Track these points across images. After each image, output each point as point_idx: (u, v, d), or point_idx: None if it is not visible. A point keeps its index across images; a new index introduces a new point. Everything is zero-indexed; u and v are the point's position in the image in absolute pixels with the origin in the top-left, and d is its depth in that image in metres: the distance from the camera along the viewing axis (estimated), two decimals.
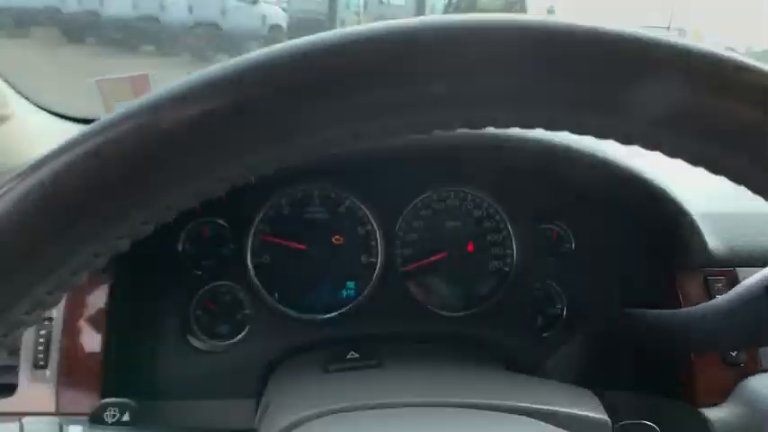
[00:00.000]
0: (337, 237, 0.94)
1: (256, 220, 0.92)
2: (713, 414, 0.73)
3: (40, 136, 0.98)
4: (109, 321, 0.70)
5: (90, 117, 1.06)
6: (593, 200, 0.88)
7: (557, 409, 0.53)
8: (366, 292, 0.92)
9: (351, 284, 0.94)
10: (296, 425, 0.48)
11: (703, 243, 0.78)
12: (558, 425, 0.50)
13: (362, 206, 0.95)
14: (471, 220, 0.98)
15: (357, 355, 0.64)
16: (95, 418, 0.46)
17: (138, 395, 0.78)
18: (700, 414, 0.73)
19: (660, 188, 0.72)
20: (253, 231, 0.92)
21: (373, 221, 0.94)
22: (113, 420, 0.47)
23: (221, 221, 0.91)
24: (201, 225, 0.91)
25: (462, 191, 0.98)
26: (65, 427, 0.45)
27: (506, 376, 0.66)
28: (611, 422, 0.57)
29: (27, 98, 1.02)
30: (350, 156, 0.90)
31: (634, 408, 0.85)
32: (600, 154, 0.70)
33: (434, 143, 0.81)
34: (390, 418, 0.46)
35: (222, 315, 0.88)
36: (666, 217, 0.74)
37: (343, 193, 0.95)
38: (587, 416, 0.54)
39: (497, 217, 0.98)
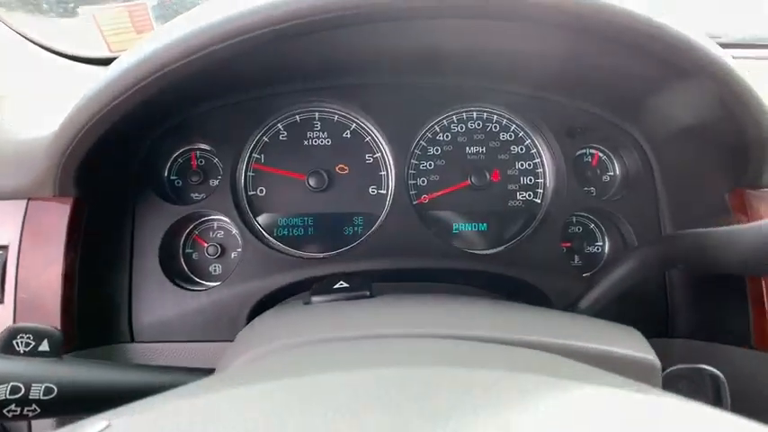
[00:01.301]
0: (342, 166, 0.83)
1: (249, 147, 0.81)
2: None
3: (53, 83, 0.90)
4: (72, 252, 0.61)
5: (97, 56, 0.97)
6: (648, 108, 0.73)
7: (584, 344, 0.41)
8: (375, 227, 0.81)
9: (358, 220, 0.83)
10: (247, 360, 0.38)
11: None
12: (587, 362, 0.39)
13: (371, 130, 0.83)
14: (496, 145, 0.85)
15: (346, 285, 0.53)
16: (4, 346, 0.38)
17: (107, 336, 0.71)
18: None
19: (744, 83, 0.56)
20: (246, 160, 0.81)
21: (383, 148, 0.82)
22: (27, 349, 0.38)
23: (210, 148, 0.81)
24: (189, 153, 0.81)
25: (487, 110, 0.85)
26: None
27: (534, 311, 0.54)
28: (662, 367, 0.45)
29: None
30: (356, 71, 0.78)
31: (690, 353, 0.72)
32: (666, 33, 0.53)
33: (455, 49, 0.68)
34: (368, 349, 0.35)
35: (212, 252, 0.79)
36: (747, 121, 0.58)
37: (348, 115, 0.83)
38: (629, 355, 0.42)
39: (528, 141, 0.85)
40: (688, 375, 0.50)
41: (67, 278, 0.60)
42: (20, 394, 0.36)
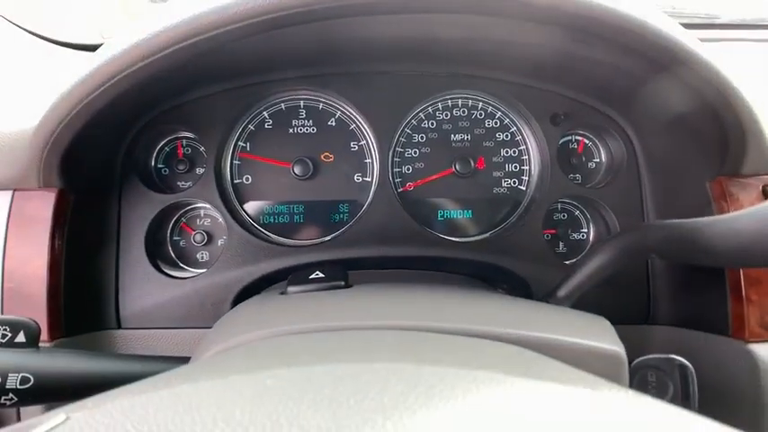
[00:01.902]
0: (327, 153, 0.83)
1: (235, 135, 0.82)
2: (764, 351, 0.61)
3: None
4: (55, 242, 0.62)
5: (83, 42, 0.96)
6: (632, 97, 0.73)
7: (551, 336, 0.42)
8: (360, 215, 0.81)
9: (343, 207, 0.83)
10: (217, 351, 0.39)
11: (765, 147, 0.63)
12: (552, 354, 0.40)
13: (355, 118, 0.83)
14: (481, 132, 0.85)
15: (322, 276, 0.54)
16: None
17: (94, 323, 0.73)
18: (747, 351, 0.61)
19: (723, 76, 0.56)
20: (231, 148, 0.82)
21: (368, 136, 0.83)
22: (3, 341, 0.39)
23: (195, 137, 0.81)
24: (175, 142, 0.82)
25: (472, 97, 0.85)
26: None
27: (503, 301, 0.55)
28: (630, 356, 0.46)
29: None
30: (341, 59, 0.78)
31: (670, 340, 0.73)
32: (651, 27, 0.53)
33: (441, 37, 0.68)
34: (330, 343, 0.36)
35: (199, 240, 0.80)
36: (726, 113, 0.59)
37: (333, 103, 0.83)
38: (594, 346, 0.42)
39: (513, 128, 0.85)
40: (657, 365, 0.51)
41: (53, 267, 0.62)
42: None
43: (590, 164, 0.86)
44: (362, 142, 0.83)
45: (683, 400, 0.51)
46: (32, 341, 0.41)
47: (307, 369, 0.29)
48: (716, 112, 0.61)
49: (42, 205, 0.62)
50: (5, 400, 0.39)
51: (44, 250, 0.62)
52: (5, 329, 0.39)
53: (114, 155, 0.76)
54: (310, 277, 0.55)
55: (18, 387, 0.39)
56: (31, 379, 0.39)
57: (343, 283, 0.55)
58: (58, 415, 0.26)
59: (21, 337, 0.40)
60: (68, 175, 0.64)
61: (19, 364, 0.39)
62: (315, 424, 0.23)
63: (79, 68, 0.55)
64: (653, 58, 0.58)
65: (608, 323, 0.51)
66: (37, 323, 0.42)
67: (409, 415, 0.24)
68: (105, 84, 0.54)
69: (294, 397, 0.26)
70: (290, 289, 0.54)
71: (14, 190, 0.63)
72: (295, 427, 0.23)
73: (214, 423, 0.24)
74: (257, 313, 0.49)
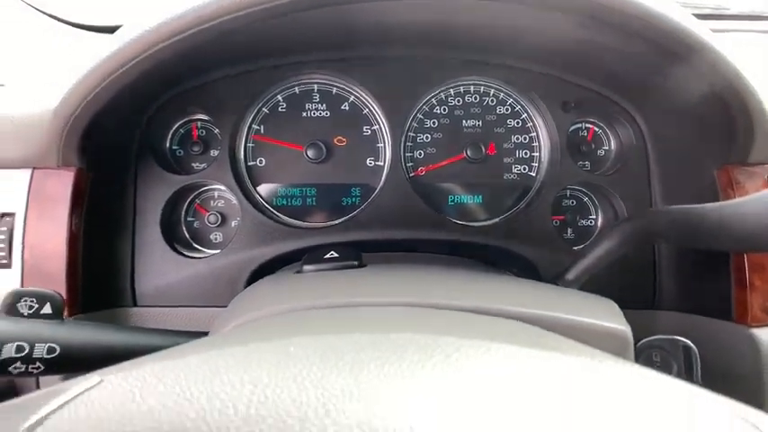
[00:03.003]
0: (340, 137, 0.84)
1: (249, 118, 0.83)
2: (766, 335, 0.62)
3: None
4: (76, 219, 0.64)
5: (100, 24, 0.97)
6: (643, 86, 0.73)
7: (559, 315, 0.43)
8: (371, 199, 0.83)
9: (355, 191, 0.84)
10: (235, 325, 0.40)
11: None
12: (560, 332, 0.41)
13: (369, 103, 0.84)
14: (492, 119, 0.85)
15: (337, 255, 0.55)
16: (8, 308, 0.40)
17: (110, 300, 0.74)
18: (750, 335, 0.61)
19: (732, 66, 0.57)
20: (245, 131, 0.83)
21: (381, 120, 0.84)
22: (30, 312, 0.41)
23: (210, 119, 0.82)
24: (190, 124, 0.83)
25: (484, 83, 0.85)
26: None
27: (513, 282, 0.56)
28: (635, 339, 0.47)
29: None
30: (355, 43, 0.78)
31: (674, 324, 0.74)
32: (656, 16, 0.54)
33: (458, 23, 0.68)
34: (345, 317, 0.37)
35: (213, 221, 0.82)
36: (734, 102, 0.59)
37: (346, 87, 0.84)
38: (600, 325, 0.44)
39: (524, 115, 0.85)
40: (662, 346, 0.52)
41: (71, 245, 0.63)
42: (24, 353, 0.39)
43: (599, 151, 0.86)
44: (375, 127, 0.84)
45: (686, 378, 0.52)
46: (58, 313, 0.42)
47: (327, 338, 0.31)
48: (725, 102, 0.62)
49: (61, 183, 0.64)
50: (32, 368, 0.40)
51: (63, 228, 0.63)
52: (32, 301, 0.41)
53: (131, 135, 0.77)
54: (325, 257, 0.56)
55: (45, 356, 0.40)
56: (57, 349, 0.41)
57: (357, 263, 0.56)
58: (93, 377, 0.28)
59: (47, 309, 0.42)
60: (87, 154, 0.66)
61: (46, 335, 0.41)
62: (338, 386, 0.24)
63: (102, 48, 0.56)
64: (666, 47, 0.58)
65: (615, 304, 0.52)
66: (61, 295, 0.43)
67: (428, 379, 0.25)
68: (128, 63, 0.55)
69: (317, 362, 0.27)
70: (306, 268, 0.56)
71: (34, 168, 0.64)
72: (320, 389, 0.24)
73: (242, 385, 0.25)
74: (274, 290, 0.50)
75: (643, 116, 0.80)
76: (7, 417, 0.25)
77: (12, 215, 0.62)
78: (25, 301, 0.40)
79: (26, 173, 0.64)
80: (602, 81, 0.79)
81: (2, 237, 0.61)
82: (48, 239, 0.63)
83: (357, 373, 0.25)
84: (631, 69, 0.70)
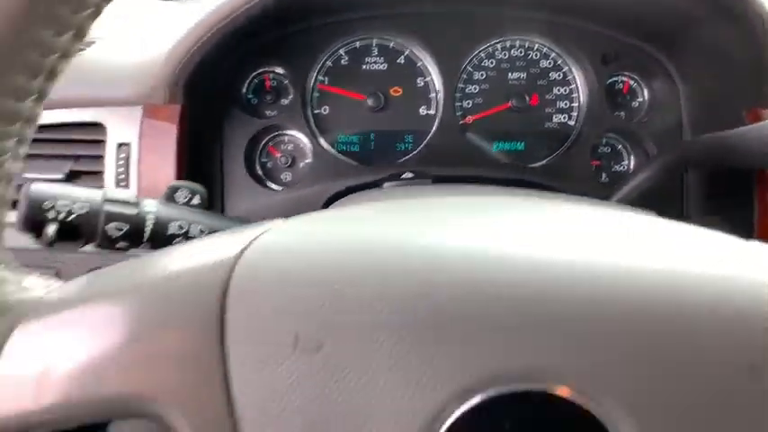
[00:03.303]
0: (396, 88, 0.93)
1: (315, 70, 0.92)
2: None
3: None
4: (180, 149, 0.74)
5: None
6: (679, 37, 0.81)
7: None
8: (423, 144, 0.92)
9: (408, 138, 0.94)
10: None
11: None
12: None
13: (422, 56, 0.93)
14: (536, 72, 0.94)
15: (412, 175, 0.64)
16: (168, 197, 0.50)
17: None
18: None
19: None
20: (312, 81, 0.92)
21: (433, 72, 0.92)
22: (184, 201, 0.51)
23: (281, 71, 0.92)
24: (263, 75, 0.93)
25: (529, 39, 0.93)
26: (141, 201, 0.49)
27: (576, 199, 0.64)
28: None
29: None
30: (412, 1, 0.87)
31: None
32: None
33: None
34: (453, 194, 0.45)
35: (284, 162, 0.92)
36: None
37: (402, 42, 0.93)
38: None
39: (565, 68, 0.94)
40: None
41: (179, 169, 0.73)
42: (184, 231, 0.49)
43: (634, 102, 0.94)
44: (428, 78, 0.93)
45: None
46: (204, 204, 0.52)
47: (447, 200, 0.40)
48: (760, 48, 0.70)
49: (169, 118, 0.74)
50: None
51: (171, 156, 0.73)
52: (187, 192, 0.51)
53: (220, 81, 0.87)
54: (402, 177, 0.65)
55: (197, 236, 0.50)
56: (206, 231, 0.50)
57: (431, 180, 0.66)
58: (266, 224, 0.37)
59: (196, 200, 0.52)
60: (189, 94, 0.75)
61: (198, 219, 0.50)
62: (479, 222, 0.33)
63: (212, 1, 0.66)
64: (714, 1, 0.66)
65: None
66: (206, 190, 0.53)
67: (540, 223, 0.34)
68: (235, 13, 0.65)
69: (455, 210, 0.36)
70: (386, 184, 0.65)
71: (145, 105, 0.74)
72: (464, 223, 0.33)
73: (413, 225, 0.34)
74: (361, 198, 0.60)
75: (677, 66, 0.88)
76: (215, 249, 0.34)
77: (128, 145, 0.73)
78: (181, 191, 0.50)
79: (138, 109, 0.74)
80: (640, 34, 0.87)
81: (121, 163, 0.71)
82: (158, 165, 0.73)
83: (490, 217, 0.35)
84: (671, 22, 0.78)
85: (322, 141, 0.92)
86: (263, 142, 0.92)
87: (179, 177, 0.73)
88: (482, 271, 0.30)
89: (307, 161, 0.91)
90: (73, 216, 0.43)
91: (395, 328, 0.29)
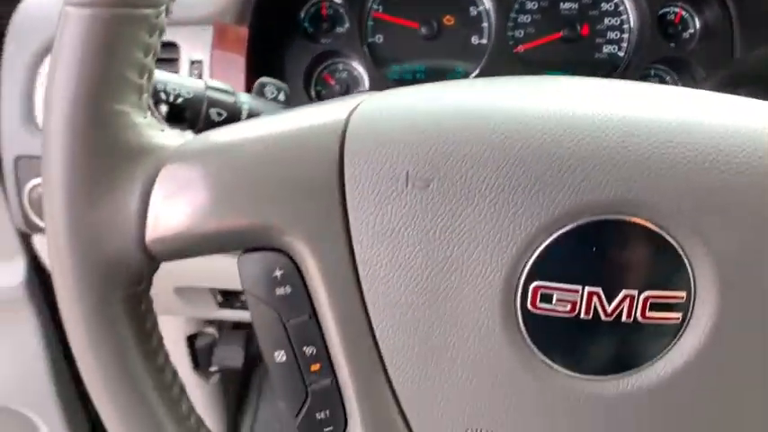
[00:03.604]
0: (448, 17, 0.95)
1: None
2: None
3: None
4: (248, 66, 0.78)
5: None
6: None
7: None
8: (475, 74, 0.94)
9: (459, 68, 0.96)
10: None
11: None
12: None
13: None
14: (588, 2, 0.95)
15: None
16: (258, 91, 0.55)
17: None
18: None
19: None
20: (367, 9, 0.95)
21: (486, 1, 0.94)
22: (272, 96, 0.55)
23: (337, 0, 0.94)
24: (320, 3, 0.95)
25: None
26: (237, 93, 0.54)
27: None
28: None
29: None
30: None
31: None
32: None
33: None
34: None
35: (340, 90, 0.95)
36: None
37: None
38: None
39: None
40: None
41: (247, 82, 0.77)
42: None
43: (685, 33, 0.95)
44: (481, 8, 0.95)
45: None
46: (287, 101, 0.56)
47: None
48: None
49: (237, 36, 0.78)
50: None
51: (240, 71, 0.77)
52: (274, 88, 0.55)
53: (283, 6, 0.90)
54: None
55: None
56: None
57: None
58: (360, 96, 0.41)
59: (282, 96, 0.56)
60: (256, 15, 0.79)
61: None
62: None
63: None
64: None
65: None
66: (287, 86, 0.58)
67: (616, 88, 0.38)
68: None
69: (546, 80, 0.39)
70: None
71: (215, 24, 0.78)
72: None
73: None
74: None
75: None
76: (332, 106, 0.39)
77: (200, 62, 0.77)
78: (269, 87, 0.55)
79: (208, 28, 0.78)
80: None
81: (193, 76, 0.75)
82: (228, 80, 0.77)
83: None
84: None
85: (377, 69, 0.95)
86: (319, 70, 0.96)
87: (248, 89, 0.77)
88: (572, 118, 0.34)
89: (360, 89, 0.95)
90: (180, 99, 0.48)
91: (496, 165, 0.33)
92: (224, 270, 0.81)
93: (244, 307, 0.99)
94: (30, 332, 1.10)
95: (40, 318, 1.09)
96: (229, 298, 0.97)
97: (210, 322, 1.32)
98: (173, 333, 1.25)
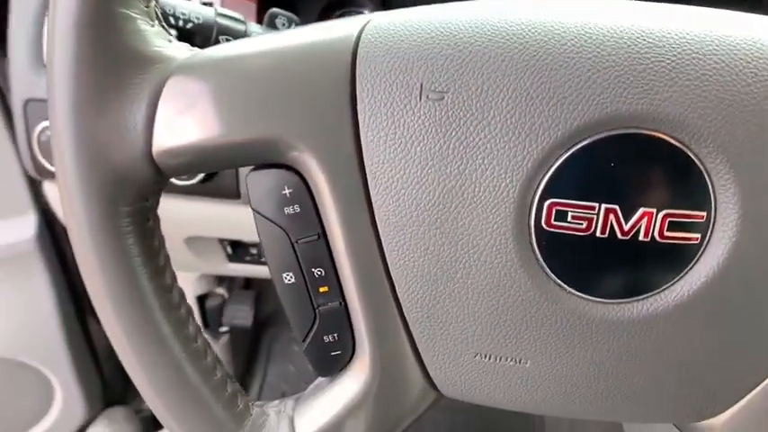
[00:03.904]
0: None
1: None
2: None
3: None
4: (259, 12, 0.77)
5: None
6: None
7: None
8: None
9: None
10: None
11: None
12: None
13: None
14: None
15: None
16: (269, 23, 0.54)
17: None
18: None
19: None
20: None
21: None
22: (282, 27, 0.54)
23: None
24: None
25: None
26: (247, 22, 0.53)
27: None
28: None
29: None
30: None
31: None
32: None
33: None
34: None
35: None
36: None
37: None
38: None
39: None
40: None
41: (258, 18, 0.76)
42: None
43: None
44: None
45: None
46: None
47: None
48: None
49: None
50: None
51: (252, 18, 0.76)
52: (285, 20, 0.54)
53: None
54: None
55: None
56: None
57: None
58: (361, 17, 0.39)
59: (292, 28, 0.55)
60: None
61: None
62: None
63: None
64: None
65: None
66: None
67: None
68: None
69: None
70: None
71: None
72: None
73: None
74: None
75: None
76: (344, 21, 0.37)
77: (210, 3, 0.76)
78: (280, 19, 0.54)
79: None
80: None
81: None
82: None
83: None
84: None
85: None
86: (332, 18, 0.94)
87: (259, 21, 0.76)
88: (593, 27, 0.32)
89: None
90: (190, 24, 0.47)
91: (513, 76, 0.31)
92: (233, 219, 0.80)
93: (254, 261, 0.99)
94: (42, 287, 1.11)
95: (52, 272, 1.10)
96: (238, 251, 0.97)
97: (221, 282, 1.33)
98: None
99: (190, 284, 1.26)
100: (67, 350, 1.19)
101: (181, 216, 0.77)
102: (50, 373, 1.21)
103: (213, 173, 0.70)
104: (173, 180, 0.68)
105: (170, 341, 0.37)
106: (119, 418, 1.32)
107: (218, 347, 1.39)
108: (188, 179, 0.68)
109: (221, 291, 1.34)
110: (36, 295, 1.13)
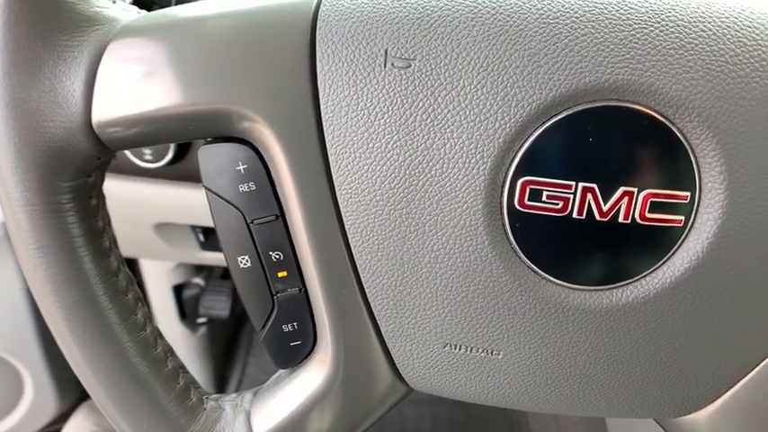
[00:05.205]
0: None
1: None
2: None
3: None
4: None
5: None
6: None
7: None
8: None
9: None
10: None
11: None
12: None
13: None
14: None
15: None
16: None
17: None
18: None
19: None
20: None
21: None
22: None
23: None
24: None
25: None
26: None
27: None
28: None
29: None
30: None
31: None
32: None
33: None
34: None
35: None
36: None
37: None
38: None
39: None
40: None
41: None
42: None
43: None
44: None
45: None
46: None
47: None
48: None
49: None
50: None
51: None
52: None
53: None
54: None
55: None
56: None
57: None
58: None
59: None
60: None
61: None
62: None
63: None
64: None
65: None
66: None
67: None
68: None
69: None
70: None
71: None
72: None
73: None
74: None
75: None
76: None
77: None
78: None
79: None
80: None
81: None
82: None
83: None
84: None
85: None
86: None
87: None
88: None
89: None
90: None
91: (484, 43, 0.29)
92: (205, 204, 0.77)
93: None
94: (9, 275, 1.08)
95: None
96: (211, 239, 0.94)
97: (198, 272, 1.30)
98: (159, 282, 1.23)
99: (166, 274, 1.22)
100: (38, 340, 1.15)
101: (149, 201, 0.74)
102: (20, 364, 1.17)
103: (182, 154, 0.66)
104: (137, 161, 0.64)
105: (115, 329, 0.34)
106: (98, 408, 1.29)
107: (196, 339, 1.36)
108: (154, 161, 0.65)
109: (198, 281, 1.30)
110: (3, 283, 1.09)
